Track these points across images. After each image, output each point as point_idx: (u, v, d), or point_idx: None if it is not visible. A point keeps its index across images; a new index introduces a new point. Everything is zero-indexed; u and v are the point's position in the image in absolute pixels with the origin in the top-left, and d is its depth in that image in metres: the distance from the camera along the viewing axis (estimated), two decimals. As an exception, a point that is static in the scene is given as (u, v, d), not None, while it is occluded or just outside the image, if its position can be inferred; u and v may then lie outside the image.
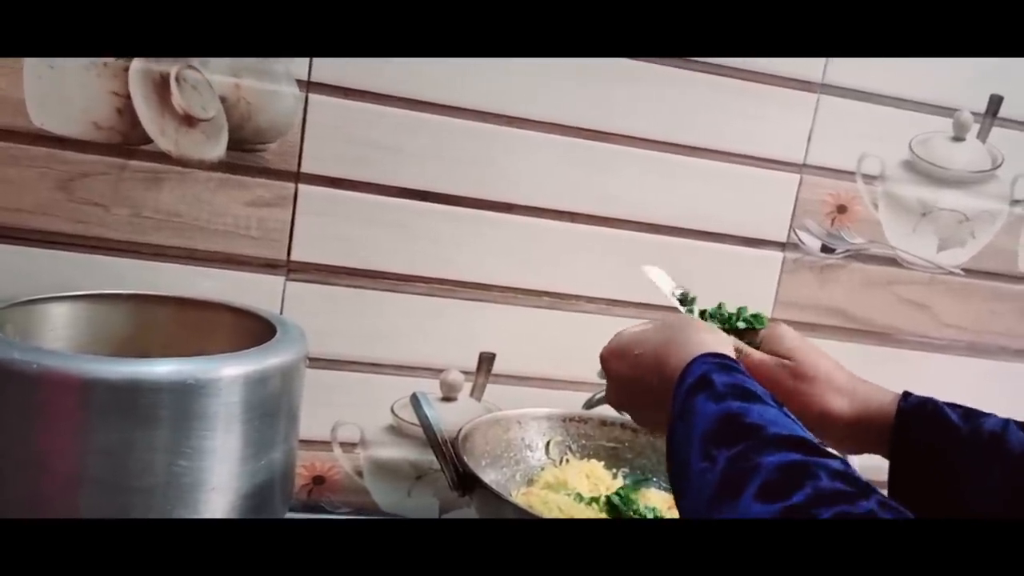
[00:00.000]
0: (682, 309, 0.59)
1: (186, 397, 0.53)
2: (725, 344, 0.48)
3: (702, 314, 0.57)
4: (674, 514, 0.67)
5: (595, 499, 0.69)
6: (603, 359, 0.53)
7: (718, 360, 0.43)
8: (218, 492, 0.55)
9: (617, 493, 0.69)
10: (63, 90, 0.65)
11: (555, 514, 0.64)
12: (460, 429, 0.68)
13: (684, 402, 0.41)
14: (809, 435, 0.37)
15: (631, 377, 0.49)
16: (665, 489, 0.75)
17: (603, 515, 0.67)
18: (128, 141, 0.67)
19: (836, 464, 0.33)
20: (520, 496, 0.69)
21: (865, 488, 0.32)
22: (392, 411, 0.76)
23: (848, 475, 0.33)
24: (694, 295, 0.59)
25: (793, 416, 0.39)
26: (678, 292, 0.60)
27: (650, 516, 0.66)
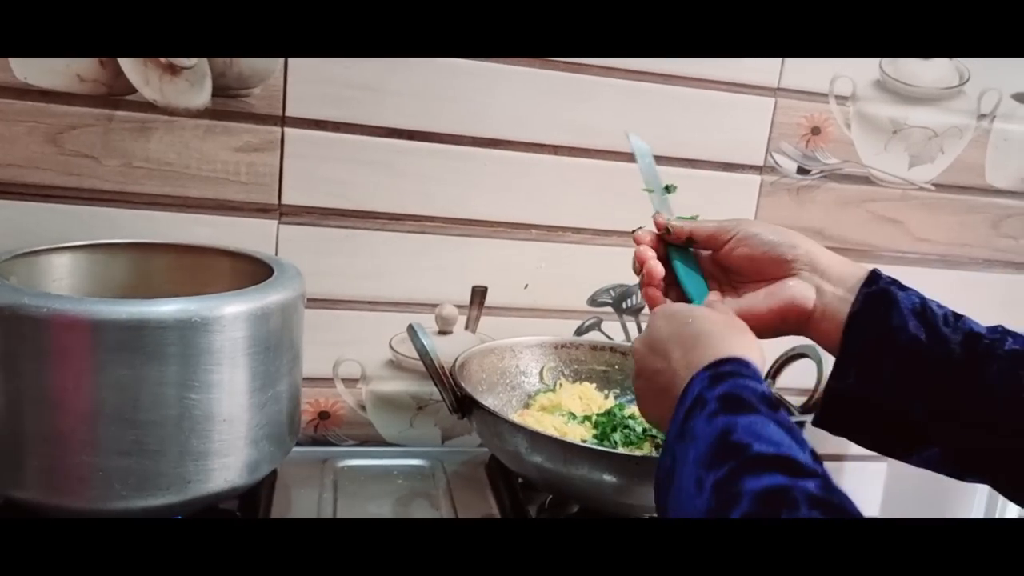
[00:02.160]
0: (658, 198, 0.59)
1: (192, 334, 0.55)
2: (736, 338, 0.46)
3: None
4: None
5: (587, 417, 0.72)
6: (635, 354, 0.50)
7: (712, 371, 0.42)
8: (229, 423, 0.58)
9: (608, 411, 0.73)
10: (44, 43, 0.65)
11: (549, 431, 0.68)
12: (456, 358, 0.71)
13: (682, 425, 0.41)
14: (794, 448, 0.37)
15: (651, 387, 0.48)
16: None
17: (595, 431, 0.70)
18: (113, 92, 0.68)
19: (815, 487, 0.34)
20: (516, 417, 0.73)
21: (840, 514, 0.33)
22: (390, 346, 0.79)
23: (826, 501, 0.33)
24: (675, 185, 0.60)
25: (786, 420, 0.39)
26: (663, 183, 0.59)
27: (639, 429, 0.69)
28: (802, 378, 0.73)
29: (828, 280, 0.51)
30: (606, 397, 0.78)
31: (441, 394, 0.67)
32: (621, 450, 0.67)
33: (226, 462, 0.58)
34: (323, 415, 0.79)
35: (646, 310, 0.84)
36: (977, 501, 0.98)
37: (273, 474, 0.67)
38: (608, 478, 0.60)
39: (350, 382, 0.79)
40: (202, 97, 0.69)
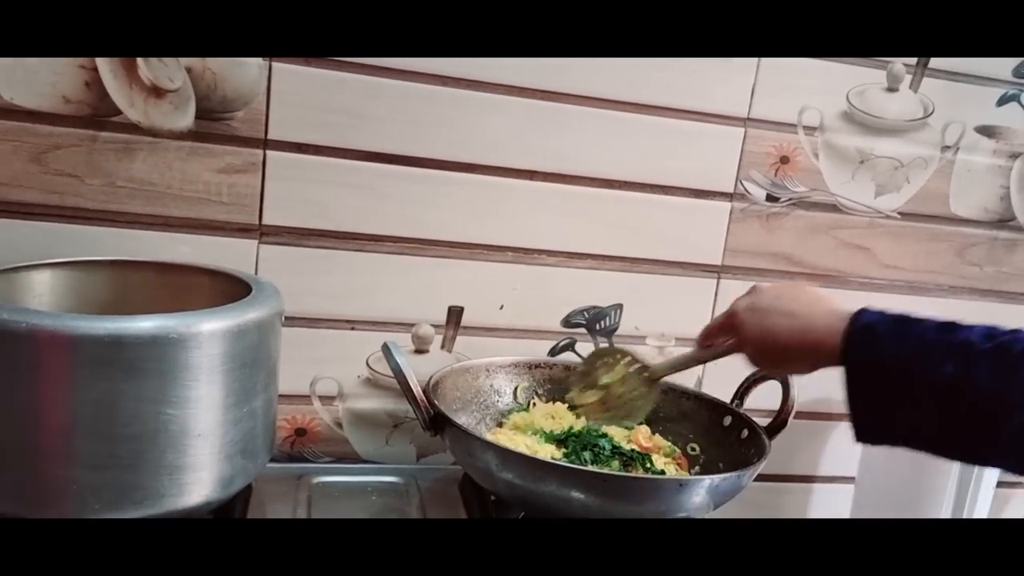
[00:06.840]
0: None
1: (169, 350, 0.56)
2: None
3: None
4: (631, 445, 0.72)
5: (558, 437, 0.74)
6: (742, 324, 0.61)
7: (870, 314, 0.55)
8: (204, 438, 0.59)
9: (580, 431, 0.74)
10: (31, 65, 0.67)
11: (521, 449, 0.69)
12: (431, 376, 0.73)
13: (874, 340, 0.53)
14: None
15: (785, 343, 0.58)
16: (624, 425, 0.80)
17: (565, 450, 0.72)
18: (98, 113, 0.69)
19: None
20: (489, 436, 0.74)
21: None
22: (367, 364, 0.80)
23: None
24: None
25: None
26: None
27: (608, 448, 0.71)
28: (767, 399, 0.75)
29: None
30: (578, 417, 0.79)
31: (415, 411, 0.68)
32: (590, 467, 0.68)
33: (200, 476, 0.59)
34: (300, 432, 0.80)
35: (619, 331, 0.86)
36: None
37: (248, 489, 0.67)
38: (576, 495, 0.61)
39: (327, 399, 0.80)
40: (186, 119, 0.71)
